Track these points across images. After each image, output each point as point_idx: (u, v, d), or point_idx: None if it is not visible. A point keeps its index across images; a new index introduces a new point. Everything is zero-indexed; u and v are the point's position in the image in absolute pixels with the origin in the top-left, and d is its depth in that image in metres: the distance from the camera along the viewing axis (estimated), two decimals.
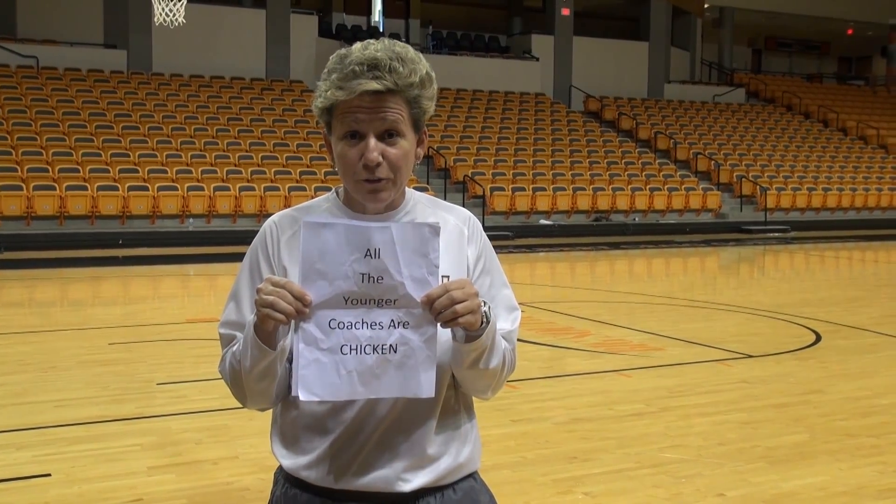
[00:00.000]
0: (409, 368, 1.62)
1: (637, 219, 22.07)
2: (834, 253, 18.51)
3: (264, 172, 19.14)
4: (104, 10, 23.50)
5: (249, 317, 1.69)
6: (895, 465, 4.75)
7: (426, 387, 1.63)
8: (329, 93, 1.69)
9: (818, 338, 8.36)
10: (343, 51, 1.73)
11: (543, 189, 21.41)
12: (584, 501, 4.21)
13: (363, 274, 1.60)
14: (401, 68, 1.69)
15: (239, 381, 1.73)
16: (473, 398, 1.88)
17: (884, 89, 35.84)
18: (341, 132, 1.71)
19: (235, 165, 19.23)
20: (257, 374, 1.69)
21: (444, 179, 21.38)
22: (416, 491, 1.76)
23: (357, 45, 1.72)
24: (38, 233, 16.29)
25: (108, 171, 17.81)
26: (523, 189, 21.15)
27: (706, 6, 32.91)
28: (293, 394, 1.62)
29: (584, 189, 21.92)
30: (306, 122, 21.88)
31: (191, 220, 17.72)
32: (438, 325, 1.61)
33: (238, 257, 1.87)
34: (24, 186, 16.72)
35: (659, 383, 6.48)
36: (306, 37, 24.87)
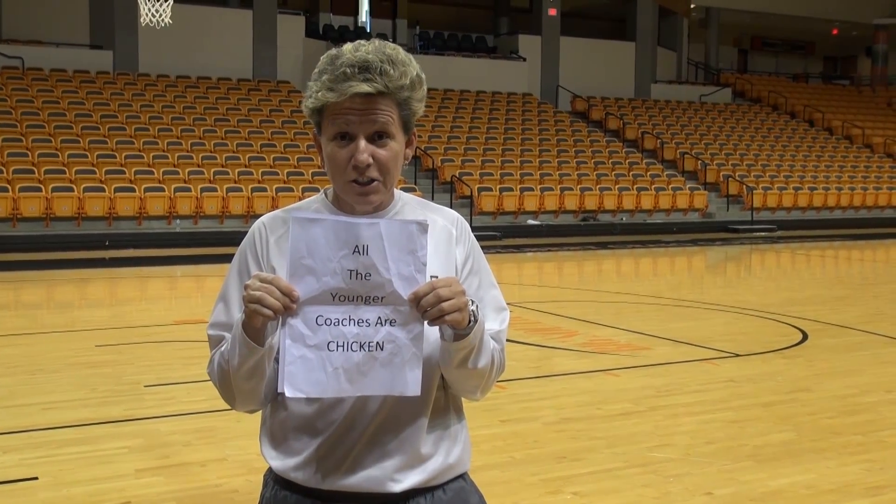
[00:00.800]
0: (395, 366, 1.62)
1: (624, 218, 22.12)
2: (820, 252, 18.59)
3: (251, 173, 19.10)
4: (90, 10, 23.43)
5: (238, 316, 1.69)
6: (882, 462, 4.78)
7: (412, 385, 1.63)
8: (320, 94, 1.70)
9: (805, 336, 8.40)
10: (334, 51, 1.73)
11: (531, 189, 21.43)
12: (573, 501, 4.22)
13: (351, 270, 1.60)
14: (392, 71, 1.69)
15: (227, 382, 1.73)
16: (463, 399, 1.89)
17: (869, 89, 36.01)
18: (331, 133, 1.72)
19: (222, 166, 19.19)
20: (245, 372, 1.69)
21: (431, 180, 21.38)
22: (407, 491, 1.76)
23: (348, 46, 1.72)
24: (24, 234, 16.22)
25: (95, 173, 17.75)
26: (511, 189, 21.17)
27: (692, 6, 33.00)
28: (279, 390, 1.62)
29: (571, 189, 21.96)
30: (293, 123, 21.85)
31: (178, 221, 17.67)
32: (425, 323, 1.62)
33: (226, 258, 1.87)
34: (9, 188, 16.64)
35: (647, 383, 6.49)
36: (293, 37, 24.83)
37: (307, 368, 1.60)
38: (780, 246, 19.62)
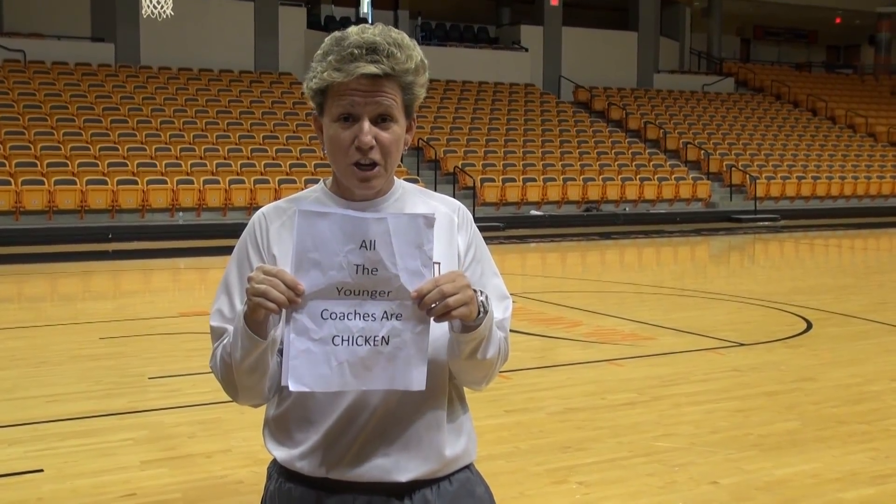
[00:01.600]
0: (400, 361, 1.61)
1: (627, 209, 22.10)
2: (824, 241, 18.56)
3: (254, 165, 19.09)
4: (91, 3, 23.39)
5: (240, 308, 1.68)
6: (886, 451, 4.77)
7: (417, 380, 1.62)
8: (326, 74, 1.69)
9: (809, 325, 8.39)
10: (339, 33, 1.72)
11: (534, 180, 21.41)
12: (579, 491, 4.21)
13: (357, 265, 1.59)
14: (398, 54, 1.69)
15: (230, 375, 1.72)
16: (465, 389, 1.88)
17: (872, 77, 35.92)
18: (335, 114, 1.71)
19: (225, 158, 19.17)
20: (248, 366, 1.68)
21: (434, 171, 21.36)
22: (412, 482, 1.76)
23: (353, 29, 1.72)
24: (27, 227, 16.22)
25: (97, 165, 17.74)
26: (514, 180, 21.15)
27: None
28: (283, 383, 1.61)
29: (574, 179, 21.93)
30: (296, 115, 21.82)
31: (181, 213, 17.67)
32: (431, 319, 1.61)
33: (229, 250, 1.86)
34: (12, 181, 16.65)
35: (651, 372, 6.49)
36: (295, 29, 24.78)
37: (311, 362, 1.59)
38: (783, 235, 19.59)
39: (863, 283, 11.87)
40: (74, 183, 16.94)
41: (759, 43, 40.26)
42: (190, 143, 19.44)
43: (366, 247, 1.58)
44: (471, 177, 20.68)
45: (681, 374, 6.47)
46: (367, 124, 1.69)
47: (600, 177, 22.42)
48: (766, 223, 22.21)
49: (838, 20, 37.87)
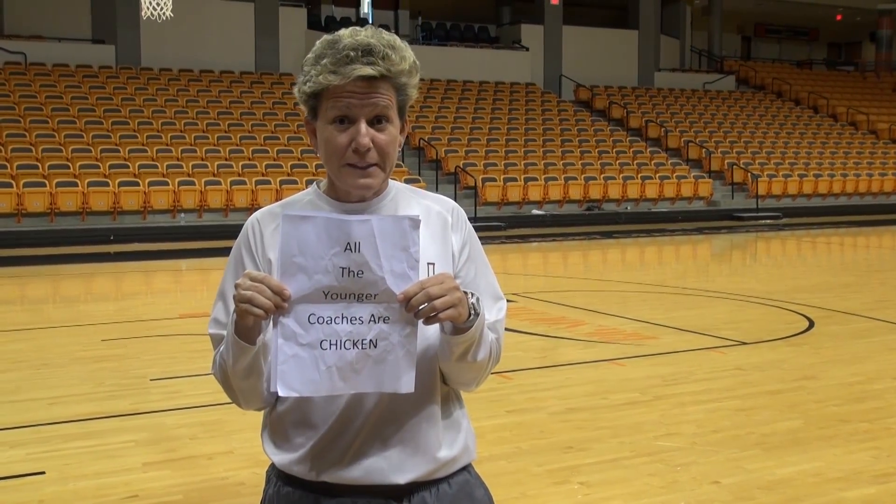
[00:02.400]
0: (388, 364, 1.61)
1: (629, 207, 22.09)
2: (826, 239, 18.55)
3: (255, 166, 19.10)
4: (92, 5, 23.40)
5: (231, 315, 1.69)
6: (889, 450, 4.77)
7: (406, 383, 1.62)
8: (321, 77, 1.69)
9: (811, 324, 8.38)
10: (330, 36, 1.72)
11: (535, 179, 21.40)
12: (580, 491, 4.21)
13: (343, 268, 1.58)
14: (393, 55, 1.70)
15: (228, 381, 1.73)
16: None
17: (873, 75, 35.89)
18: (330, 117, 1.71)
19: (226, 159, 19.18)
20: (241, 371, 1.68)
21: (435, 171, 21.36)
22: (410, 484, 1.76)
23: (345, 32, 1.72)
24: (28, 230, 16.24)
25: (99, 167, 17.75)
26: (515, 179, 21.14)
27: None
28: (271, 389, 1.61)
29: (575, 178, 21.92)
30: (297, 116, 21.82)
31: (182, 214, 17.68)
32: (419, 321, 1.60)
33: (230, 251, 1.86)
34: (14, 183, 16.66)
35: (653, 372, 6.48)
36: (295, 29, 24.78)
37: (300, 367, 1.59)
38: (785, 233, 19.57)
39: (865, 281, 11.85)
40: (76, 185, 16.95)
41: (759, 40, 40.24)
42: (191, 145, 19.45)
43: (351, 249, 1.58)
44: (472, 176, 20.67)
45: (683, 373, 6.46)
46: (363, 126, 1.69)
47: (602, 176, 22.42)
48: (768, 221, 22.19)
49: (839, 17, 37.85)
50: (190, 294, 11.67)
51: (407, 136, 1.83)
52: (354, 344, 1.59)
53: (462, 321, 1.63)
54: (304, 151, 20.19)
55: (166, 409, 5.58)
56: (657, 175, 23.21)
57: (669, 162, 24.51)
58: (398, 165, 18.83)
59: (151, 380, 6.30)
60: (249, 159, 19.40)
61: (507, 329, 1.89)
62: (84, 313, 9.63)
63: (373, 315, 1.60)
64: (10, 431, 5.12)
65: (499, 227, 18.67)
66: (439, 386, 1.79)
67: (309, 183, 18.81)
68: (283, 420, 1.78)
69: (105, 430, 5.14)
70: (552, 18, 28.75)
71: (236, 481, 4.33)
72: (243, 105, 21.95)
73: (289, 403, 1.76)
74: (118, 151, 18.52)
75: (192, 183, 17.84)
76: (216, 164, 18.83)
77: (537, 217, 20.55)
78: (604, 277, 12.52)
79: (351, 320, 1.60)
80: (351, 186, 1.74)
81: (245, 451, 4.69)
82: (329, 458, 1.74)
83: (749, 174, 24.20)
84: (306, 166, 19.56)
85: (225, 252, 1.51)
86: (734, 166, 24.51)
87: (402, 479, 1.74)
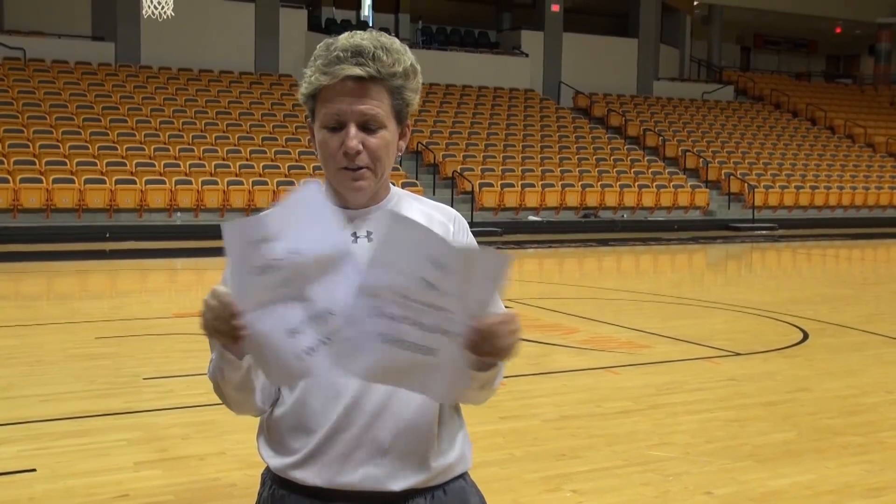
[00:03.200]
0: (440, 372, 1.56)
1: (625, 216, 22.10)
2: (821, 251, 18.57)
3: (253, 166, 19.08)
4: (92, 2, 23.39)
5: None
6: (882, 463, 4.77)
7: (448, 393, 1.60)
8: (313, 78, 1.70)
9: (805, 336, 8.38)
10: (330, 39, 1.73)
11: (532, 185, 21.41)
12: (573, 499, 4.20)
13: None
14: (384, 57, 1.69)
15: (221, 389, 1.72)
16: None
17: (871, 88, 35.97)
18: (323, 120, 1.72)
19: (224, 159, 19.17)
20: (234, 385, 1.68)
21: (432, 175, 21.35)
22: (406, 491, 1.75)
23: (344, 35, 1.72)
24: (24, 226, 16.21)
25: (96, 165, 17.73)
26: (512, 185, 21.15)
27: (695, 3, 32.98)
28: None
29: (572, 186, 21.93)
30: (295, 117, 21.82)
31: (178, 213, 17.65)
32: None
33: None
34: (10, 179, 16.63)
35: (647, 381, 6.48)
36: (295, 31, 24.79)
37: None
38: (780, 245, 19.60)
39: (859, 294, 11.87)
40: (73, 182, 16.92)
41: (759, 52, 40.34)
42: (189, 144, 19.43)
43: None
44: (469, 181, 20.67)
45: (676, 382, 6.46)
46: (353, 129, 1.69)
47: (599, 183, 22.43)
48: (764, 232, 22.23)
49: (838, 30, 37.95)
50: (185, 293, 11.65)
51: None
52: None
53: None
54: (301, 153, 20.18)
55: (159, 408, 5.57)
56: (654, 184, 23.23)
57: (666, 171, 24.54)
58: (395, 169, 18.79)
59: (144, 379, 6.29)
60: (247, 160, 19.38)
61: None
62: (78, 311, 9.61)
63: (439, 326, 1.52)
64: (2, 428, 5.10)
65: (495, 232, 18.67)
66: None
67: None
68: (279, 424, 1.77)
69: (97, 428, 5.13)
70: (552, 25, 28.78)
71: (228, 482, 4.32)
72: (242, 105, 21.94)
73: (286, 408, 1.76)
74: (116, 149, 18.50)
75: (189, 182, 17.82)
76: (213, 163, 18.81)
77: (533, 223, 20.56)
78: (599, 285, 12.52)
79: (418, 324, 1.52)
80: (343, 189, 1.74)
81: (237, 453, 4.68)
82: (325, 464, 1.73)
83: (746, 185, 24.23)
84: (304, 168, 19.54)
85: (220, 252, 1.49)
86: (731, 176, 24.54)
87: (397, 486, 1.74)
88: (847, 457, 4.86)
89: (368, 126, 1.70)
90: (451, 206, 1.90)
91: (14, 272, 12.71)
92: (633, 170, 23.91)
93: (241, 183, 18.24)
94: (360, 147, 1.69)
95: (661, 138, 26.18)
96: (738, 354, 7.48)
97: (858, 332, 8.66)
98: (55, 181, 16.77)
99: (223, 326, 1.53)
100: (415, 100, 1.76)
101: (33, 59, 21.54)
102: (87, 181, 17.00)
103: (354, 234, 1.75)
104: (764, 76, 35.23)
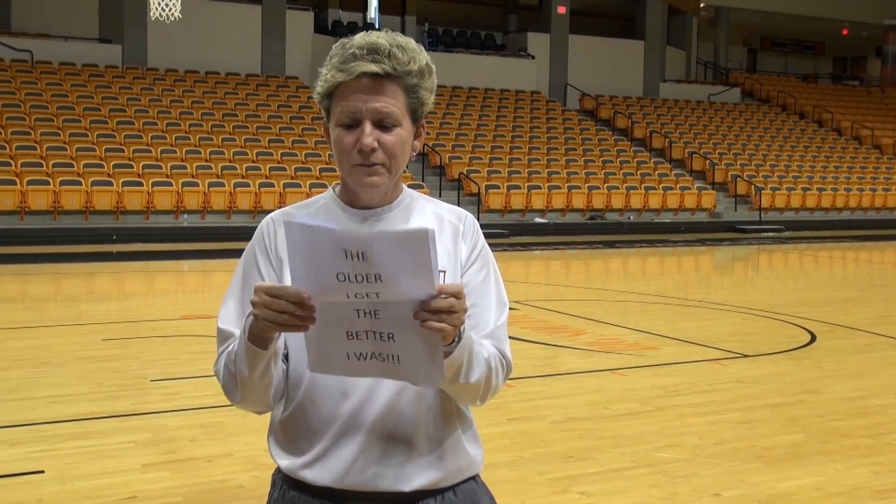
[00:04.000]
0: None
1: (632, 217, 22.08)
2: (828, 253, 18.53)
3: (259, 168, 19.10)
4: (99, 4, 23.46)
5: (245, 323, 1.67)
6: (890, 465, 4.75)
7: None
8: (329, 75, 1.70)
9: (813, 338, 8.36)
10: (346, 39, 1.74)
11: (539, 187, 21.40)
12: (580, 501, 4.20)
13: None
14: (400, 55, 1.69)
15: (233, 384, 1.71)
16: None
17: (878, 90, 35.89)
18: (338, 117, 1.71)
19: (230, 161, 19.19)
20: (255, 377, 1.67)
21: (439, 177, 21.36)
22: (416, 492, 1.75)
23: (360, 34, 1.73)
24: (31, 227, 16.24)
25: (103, 167, 17.76)
26: (518, 187, 21.14)
27: (702, 5, 32.92)
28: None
29: (579, 187, 21.92)
30: (301, 119, 21.85)
31: (185, 215, 17.68)
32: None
33: (233, 253, 1.86)
34: (17, 181, 16.67)
35: (654, 382, 6.47)
36: (302, 33, 24.82)
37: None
38: (787, 246, 19.56)
39: (867, 296, 11.84)
40: (80, 184, 16.96)
41: (765, 53, 40.27)
42: (195, 146, 19.47)
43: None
44: (475, 183, 20.67)
45: (684, 384, 6.45)
46: (368, 126, 1.69)
47: (605, 185, 22.41)
48: (771, 234, 22.18)
49: (845, 32, 37.87)
50: (191, 295, 11.67)
51: None
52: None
53: (447, 343, 1.57)
54: (308, 154, 20.21)
55: (166, 410, 5.57)
56: (660, 185, 23.21)
57: (673, 173, 24.51)
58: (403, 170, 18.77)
59: (152, 380, 6.29)
60: (253, 161, 19.41)
61: (508, 337, 1.87)
62: (85, 313, 9.62)
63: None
64: (10, 430, 5.11)
65: (501, 234, 18.66)
66: (447, 395, 1.78)
67: (313, 186, 18.79)
68: (289, 424, 1.78)
69: (105, 430, 5.13)
70: (559, 27, 28.78)
71: (236, 484, 4.32)
72: (248, 107, 21.97)
73: (297, 408, 1.76)
74: (123, 151, 18.54)
75: (196, 184, 17.85)
76: (220, 165, 18.84)
77: (540, 225, 20.55)
78: (606, 287, 12.50)
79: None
80: (358, 185, 1.74)
81: (245, 454, 4.68)
82: (336, 464, 1.73)
83: (752, 186, 24.19)
84: (310, 169, 19.56)
85: (227, 254, 1.49)
86: (738, 178, 24.50)
87: (408, 486, 1.74)
88: (855, 459, 4.84)
89: (384, 123, 1.70)
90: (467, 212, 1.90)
91: (21, 274, 12.73)
92: (639, 172, 23.89)
93: (247, 185, 18.26)
94: (376, 144, 1.69)
95: (667, 140, 26.15)
96: (745, 356, 7.46)
97: (866, 334, 8.63)
98: (62, 183, 16.80)
99: (296, 312, 1.51)
100: (430, 99, 1.76)
101: (40, 62, 21.59)
102: (94, 183, 17.03)
103: None
104: (771, 78, 35.18)
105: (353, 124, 1.70)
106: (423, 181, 20.55)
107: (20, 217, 16.48)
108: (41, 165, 17.37)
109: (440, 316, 1.50)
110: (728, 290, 12.98)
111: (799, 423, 5.52)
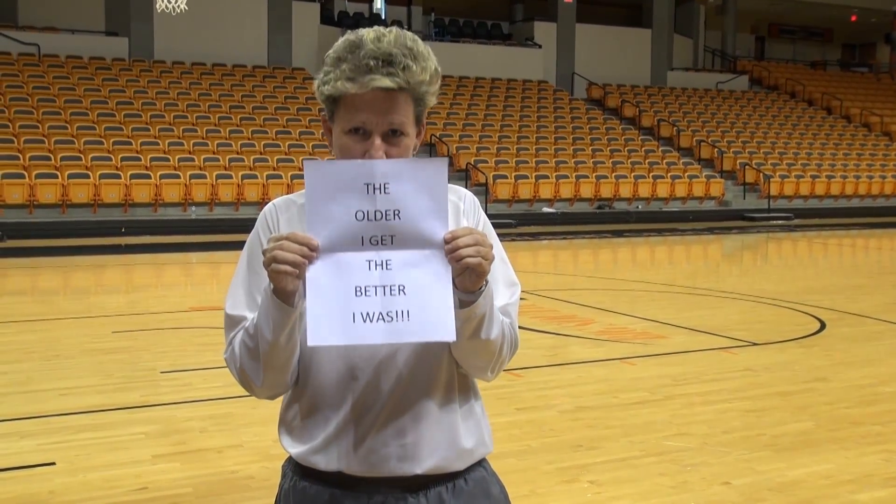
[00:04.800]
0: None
1: (640, 206, 22.04)
2: (837, 240, 18.48)
3: (267, 160, 19.12)
4: None
5: (257, 297, 1.68)
6: None
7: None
8: (339, 83, 1.68)
9: (822, 325, 8.34)
10: (353, 37, 1.70)
11: (546, 177, 21.37)
12: (590, 490, 4.20)
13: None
14: (414, 66, 1.67)
15: (253, 362, 1.69)
16: (478, 382, 1.86)
17: (887, 76, 35.73)
18: (346, 126, 1.70)
19: (238, 153, 19.21)
20: (281, 341, 1.65)
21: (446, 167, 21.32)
22: (427, 476, 1.75)
23: (370, 35, 1.69)
24: (40, 221, 16.29)
25: (111, 160, 17.80)
26: (526, 177, 21.12)
27: None
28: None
29: (586, 177, 21.88)
30: (308, 110, 21.84)
31: (193, 208, 17.71)
32: (449, 266, 1.56)
33: (241, 245, 1.84)
34: (26, 174, 16.71)
35: (663, 371, 6.46)
36: (308, 24, 24.80)
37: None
38: (796, 234, 19.51)
39: (876, 283, 11.80)
40: (88, 177, 17.00)
41: (773, 41, 40.07)
42: (203, 138, 19.48)
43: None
44: (483, 173, 20.66)
45: (693, 373, 6.44)
46: (378, 140, 1.68)
47: (613, 174, 22.37)
48: (780, 222, 22.12)
49: (854, 18, 37.66)
50: (200, 287, 11.69)
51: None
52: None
53: (482, 281, 1.60)
54: (315, 146, 20.21)
55: (176, 401, 5.59)
56: (669, 174, 23.16)
57: (681, 161, 24.45)
58: None
59: (161, 372, 6.31)
60: (261, 153, 19.42)
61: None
62: (95, 305, 9.66)
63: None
64: (21, 422, 5.14)
65: (509, 224, 18.65)
66: (455, 375, 1.78)
67: None
68: (300, 411, 1.78)
69: (115, 422, 5.15)
70: (565, 16, 28.70)
71: (246, 475, 4.33)
72: (255, 99, 21.97)
73: (305, 393, 1.76)
74: (130, 144, 18.57)
75: (204, 176, 17.87)
76: (227, 157, 18.86)
77: (548, 215, 20.52)
78: (614, 276, 12.49)
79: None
80: None
81: (255, 445, 4.70)
82: (346, 449, 1.74)
83: (761, 174, 24.12)
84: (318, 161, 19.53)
85: (235, 245, 1.50)
86: (746, 166, 24.43)
87: (418, 468, 1.74)
88: (865, 446, 4.83)
89: (392, 135, 1.70)
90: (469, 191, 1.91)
91: (31, 267, 12.77)
92: (647, 160, 23.84)
93: (255, 177, 18.28)
94: (384, 157, 1.69)
95: (675, 129, 26.08)
96: (754, 344, 7.45)
97: (876, 322, 8.61)
98: (70, 176, 16.84)
99: (289, 254, 1.54)
100: (434, 101, 1.76)
101: (47, 55, 21.62)
102: (102, 176, 17.07)
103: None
104: (779, 65, 35.03)
105: (362, 134, 1.69)
106: None
107: (29, 210, 16.53)
108: (49, 159, 17.41)
109: (476, 249, 1.56)
110: (737, 278, 12.96)
111: (808, 410, 5.52)
